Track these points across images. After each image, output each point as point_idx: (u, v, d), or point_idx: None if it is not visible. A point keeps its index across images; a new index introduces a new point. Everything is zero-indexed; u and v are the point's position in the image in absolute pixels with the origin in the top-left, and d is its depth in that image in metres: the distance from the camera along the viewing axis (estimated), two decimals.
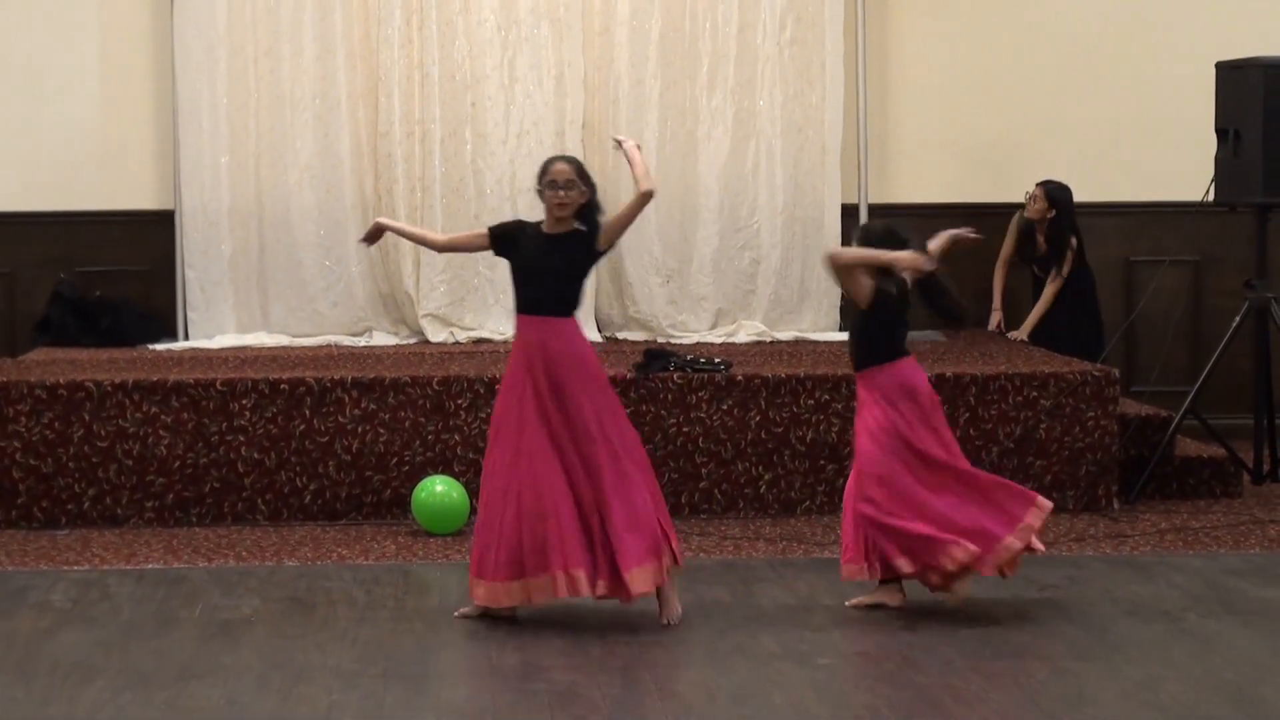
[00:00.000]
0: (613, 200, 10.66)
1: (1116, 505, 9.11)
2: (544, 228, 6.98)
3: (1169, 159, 10.89)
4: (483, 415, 8.91)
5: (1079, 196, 10.54)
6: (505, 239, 7.06)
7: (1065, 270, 10.31)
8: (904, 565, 6.98)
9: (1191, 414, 9.55)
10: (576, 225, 6.93)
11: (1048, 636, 6.81)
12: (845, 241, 10.86)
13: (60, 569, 7.91)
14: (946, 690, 6.14)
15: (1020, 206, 10.50)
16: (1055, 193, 10.35)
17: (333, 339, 10.57)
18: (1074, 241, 10.33)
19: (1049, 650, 6.62)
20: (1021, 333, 10.41)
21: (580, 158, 10.53)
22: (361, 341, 10.55)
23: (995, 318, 10.70)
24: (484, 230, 7.17)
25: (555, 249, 6.93)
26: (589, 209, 6.94)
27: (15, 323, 10.68)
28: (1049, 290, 10.38)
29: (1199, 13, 11.08)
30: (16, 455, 8.74)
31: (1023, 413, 9.10)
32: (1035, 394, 9.10)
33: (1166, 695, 6.09)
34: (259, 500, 8.86)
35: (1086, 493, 9.11)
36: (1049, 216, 10.34)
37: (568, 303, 6.96)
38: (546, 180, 6.92)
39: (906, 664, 6.45)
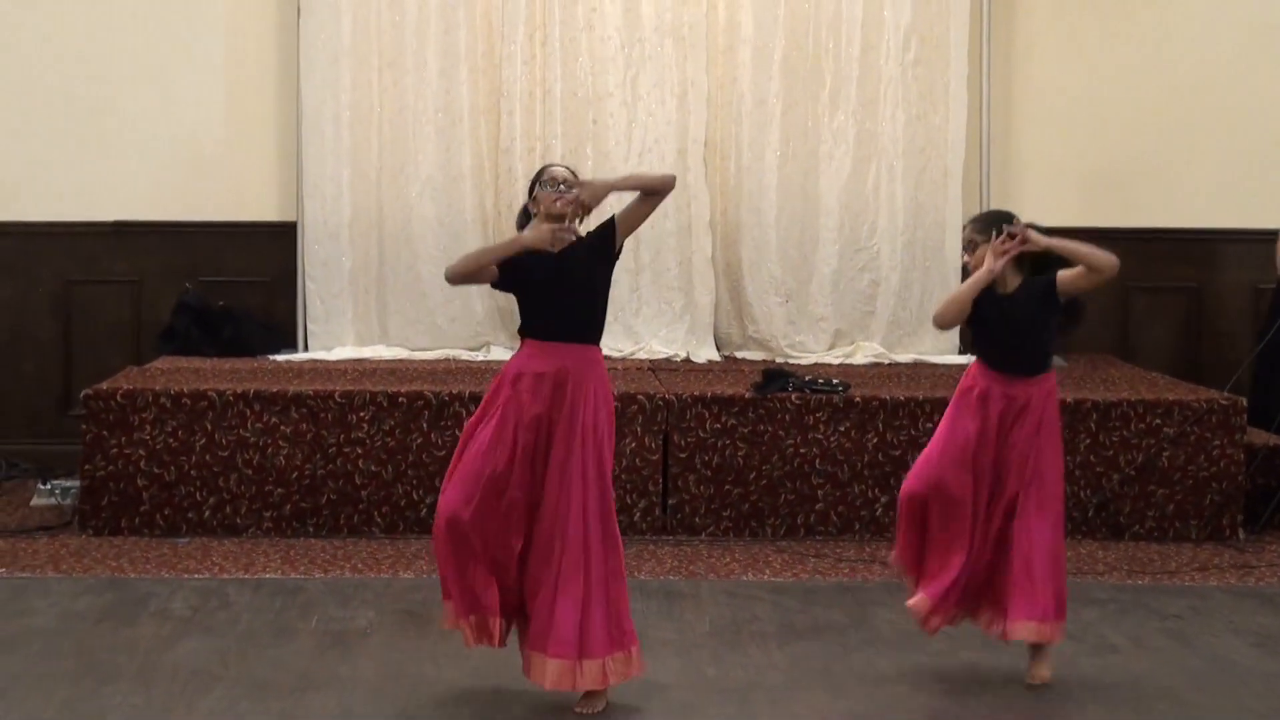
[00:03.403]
0: (729, 216, 10.73)
1: (1242, 535, 8.97)
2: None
3: None
4: None
5: (1208, 223, 10.38)
6: None
7: None
8: None
9: None
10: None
11: (1169, 667, 6.72)
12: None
13: (181, 577, 7.99)
14: (1063, 719, 6.06)
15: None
16: None
17: (451, 353, 10.60)
18: None
19: (1170, 681, 6.52)
20: None
21: (702, 176, 10.63)
22: (479, 356, 10.59)
23: None
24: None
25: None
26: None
27: (141, 331, 10.81)
28: None
29: None
30: (141, 463, 8.84)
31: (1145, 440, 8.97)
32: (1159, 421, 8.98)
33: None
34: (375, 513, 8.90)
35: (1210, 522, 8.98)
36: None
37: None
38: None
39: (1023, 691, 6.38)
